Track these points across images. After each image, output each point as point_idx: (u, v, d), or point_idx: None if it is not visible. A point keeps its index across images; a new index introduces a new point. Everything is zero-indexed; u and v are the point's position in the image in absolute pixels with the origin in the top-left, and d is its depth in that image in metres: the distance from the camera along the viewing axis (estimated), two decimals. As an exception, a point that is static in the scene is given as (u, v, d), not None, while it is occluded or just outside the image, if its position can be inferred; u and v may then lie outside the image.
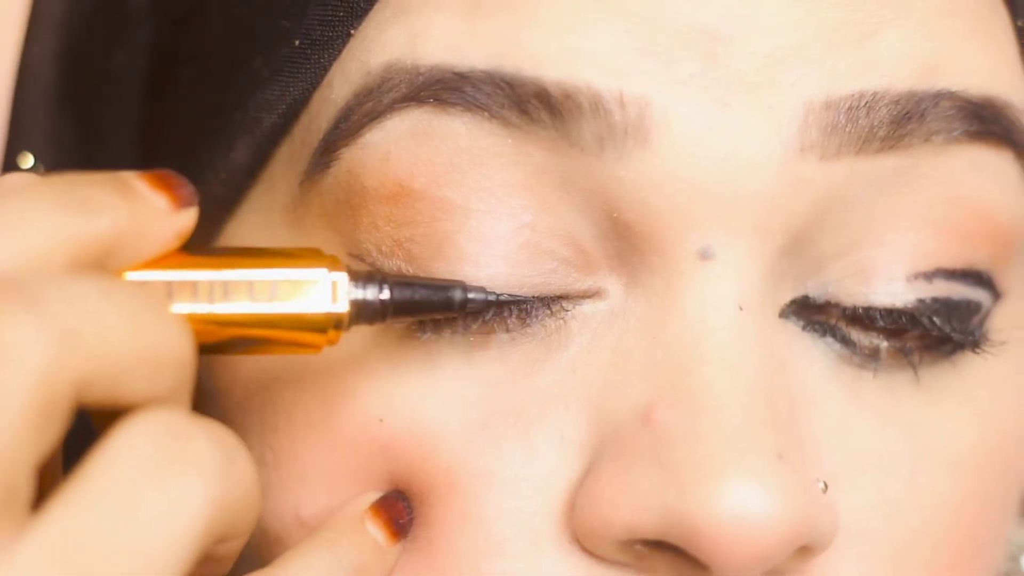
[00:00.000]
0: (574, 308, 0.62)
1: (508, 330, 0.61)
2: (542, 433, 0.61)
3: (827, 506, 0.61)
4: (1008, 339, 0.66)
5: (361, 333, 0.62)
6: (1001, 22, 0.64)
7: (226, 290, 0.56)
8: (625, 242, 0.61)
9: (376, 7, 0.62)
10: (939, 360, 0.64)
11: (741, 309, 0.60)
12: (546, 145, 0.60)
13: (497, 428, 0.61)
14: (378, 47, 0.61)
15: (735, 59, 0.59)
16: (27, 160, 0.76)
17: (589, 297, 0.62)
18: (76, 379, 0.50)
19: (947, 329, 0.63)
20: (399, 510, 0.62)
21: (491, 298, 0.60)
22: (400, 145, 0.61)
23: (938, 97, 0.61)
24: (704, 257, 0.60)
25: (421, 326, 0.61)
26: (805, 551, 0.60)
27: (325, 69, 0.63)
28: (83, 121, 0.75)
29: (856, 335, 0.63)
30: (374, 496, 0.62)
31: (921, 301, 0.63)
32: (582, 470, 0.61)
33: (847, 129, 0.60)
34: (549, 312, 0.61)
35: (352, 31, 0.62)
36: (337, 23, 0.62)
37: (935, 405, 0.64)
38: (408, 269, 0.61)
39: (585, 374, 0.61)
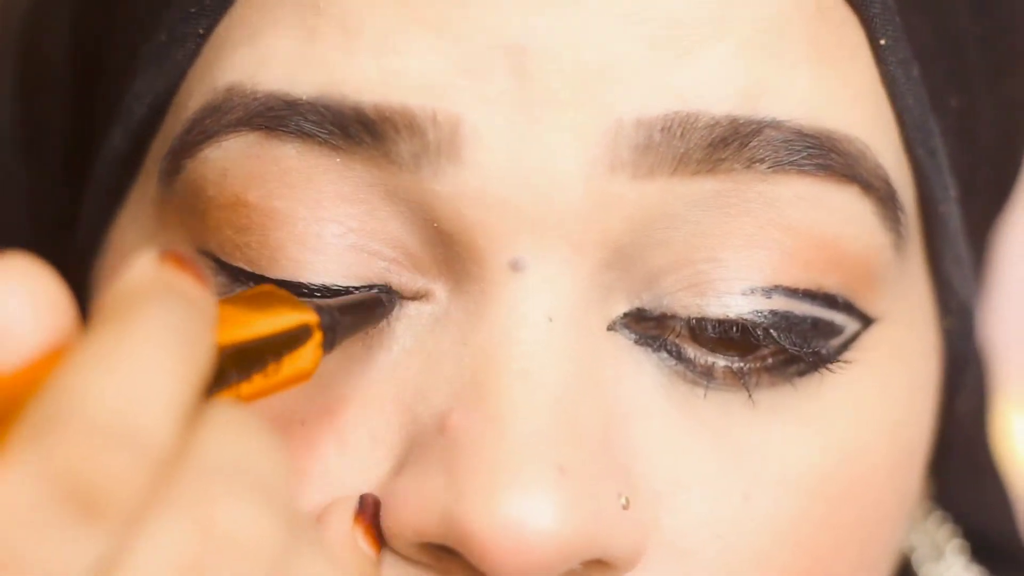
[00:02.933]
0: (401, 310, 0.63)
1: None
2: (356, 433, 0.62)
3: (625, 522, 0.60)
4: (860, 359, 0.65)
5: None
6: (850, 45, 0.63)
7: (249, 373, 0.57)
8: (448, 249, 0.62)
9: (230, 25, 0.63)
10: (779, 382, 0.63)
11: (551, 320, 0.60)
12: (369, 162, 0.61)
13: (313, 426, 0.63)
14: (228, 67, 0.63)
15: (544, 75, 0.59)
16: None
17: (418, 299, 0.63)
18: None
19: (785, 343, 0.62)
20: (378, 515, 0.62)
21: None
22: (236, 164, 0.63)
23: (761, 124, 0.60)
24: (515, 268, 0.61)
25: None
26: (604, 566, 0.61)
27: (183, 68, 0.65)
28: (25, 109, 0.78)
29: (692, 352, 0.63)
30: (352, 504, 0.62)
31: (757, 313, 0.62)
32: (391, 472, 0.62)
33: (661, 149, 0.60)
34: None
35: (201, 30, 0.64)
36: (190, 19, 0.64)
37: (773, 427, 0.64)
38: (249, 271, 0.63)
39: (402, 376, 0.62)
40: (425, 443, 0.61)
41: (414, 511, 0.60)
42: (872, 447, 0.66)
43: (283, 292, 0.60)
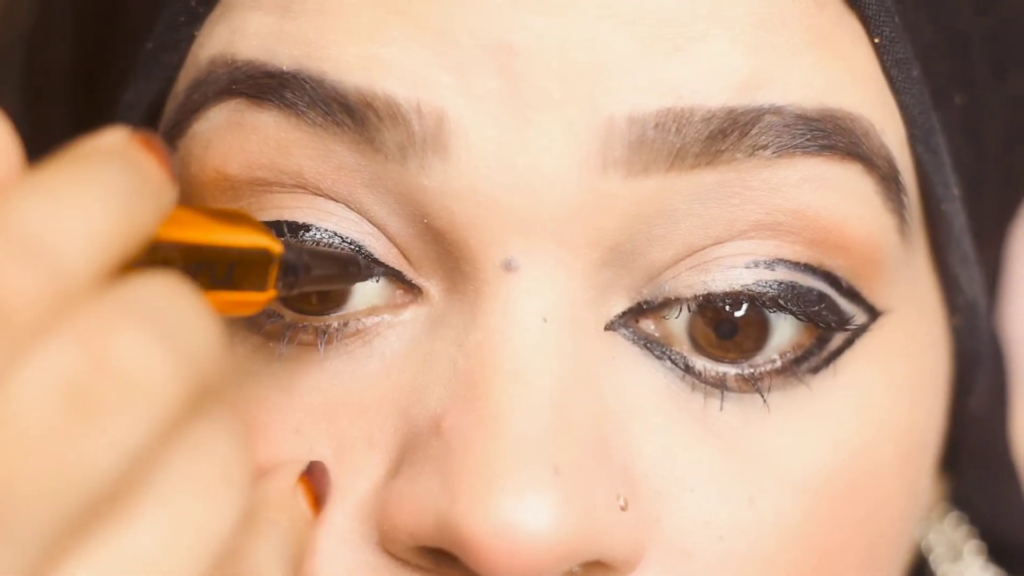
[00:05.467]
0: (395, 318, 0.63)
1: (329, 341, 0.63)
2: (351, 437, 0.62)
3: (623, 523, 0.60)
4: (869, 354, 0.64)
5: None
6: (851, 37, 0.62)
7: (195, 273, 0.56)
8: (440, 247, 0.61)
9: (212, 16, 0.63)
10: (792, 382, 0.63)
11: (545, 321, 0.60)
12: (352, 147, 0.61)
13: (310, 431, 0.62)
14: (208, 43, 0.63)
15: (533, 75, 0.59)
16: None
17: (410, 303, 0.63)
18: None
19: (794, 309, 0.62)
20: (324, 482, 0.62)
21: (378, 273, 0.62)
22: (218, 134, 0.63)
23: (760, 112, 0.60)
24: (508, 269, 0.60)
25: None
26: (603, 568, 0.60)
27: (176, 69, 0.65)
28: (29, 117, 0.78)
29: (700, 363, 0.62)
30: (300, 466, 0.62)
31: (761, 283, 0.62)
32: (388, 475, 0.62)
33: (655, 145, 0.59)
34: (366, 323, 0.63)
35: (195, 33, 0.64)
36: (180, 27, 0.64)
37: (786, 430, 0.63)
38: None
39: (398, 379, 0.62)
40: (419, 446, 0.60)
41: (409, 514, 0.59)
42: (881, 444, 0.65)
43: (256, 220, 0.59)
